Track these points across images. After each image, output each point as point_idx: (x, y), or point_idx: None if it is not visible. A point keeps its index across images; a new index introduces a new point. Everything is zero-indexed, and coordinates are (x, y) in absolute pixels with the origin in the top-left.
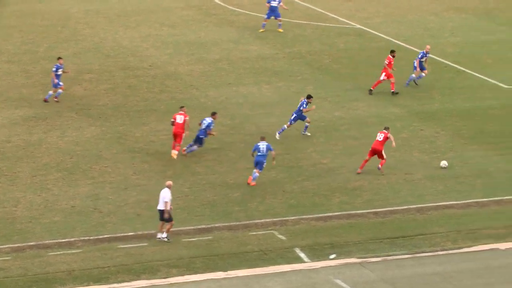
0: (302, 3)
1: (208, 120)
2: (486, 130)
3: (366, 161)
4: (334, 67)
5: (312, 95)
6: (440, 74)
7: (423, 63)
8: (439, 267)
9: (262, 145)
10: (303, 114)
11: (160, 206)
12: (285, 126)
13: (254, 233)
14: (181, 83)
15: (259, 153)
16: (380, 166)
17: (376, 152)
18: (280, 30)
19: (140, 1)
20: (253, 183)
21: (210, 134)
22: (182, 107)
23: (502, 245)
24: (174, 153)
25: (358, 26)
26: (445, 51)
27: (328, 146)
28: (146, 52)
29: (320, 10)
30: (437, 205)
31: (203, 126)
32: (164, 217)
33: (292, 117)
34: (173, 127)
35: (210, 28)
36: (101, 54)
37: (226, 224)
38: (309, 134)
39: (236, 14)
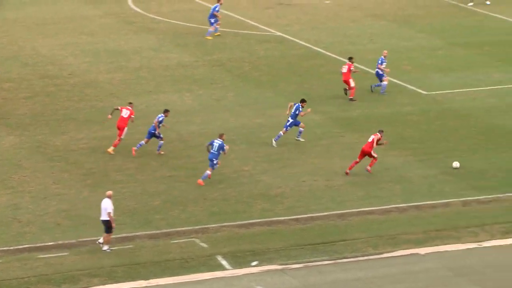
0: (222, 10)
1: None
2: (406, 136)
3: (356, 162)
4: (254, 75)
5: (305, 99)
6: (360, 80)
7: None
8: (360, 272)
9: (216, 142)
10: (297, 119)
11: (103, 217)
12: (281, 132)
13: (176, 241)
14: (101, 92)
15: (211, 150)
16: (369, 167)
17: (365, 154)
18: (209, 37)
19: (58, 9)
20: (200, 181)
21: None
22: (130, 103)
23: (422, 250)
24: (111, 149)
25: (278, 33)
26: (364, 58)
27: (249, 153)
28: (65, 60)
29: (240, 17)
30: (358, 211)
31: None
32: (112, 227)
33: (288, 123)
34: (118, 119)
35: (130, 36)
36: (19, 63)
37: (148, 232)
38: (303, 140)
39: (156, 22)
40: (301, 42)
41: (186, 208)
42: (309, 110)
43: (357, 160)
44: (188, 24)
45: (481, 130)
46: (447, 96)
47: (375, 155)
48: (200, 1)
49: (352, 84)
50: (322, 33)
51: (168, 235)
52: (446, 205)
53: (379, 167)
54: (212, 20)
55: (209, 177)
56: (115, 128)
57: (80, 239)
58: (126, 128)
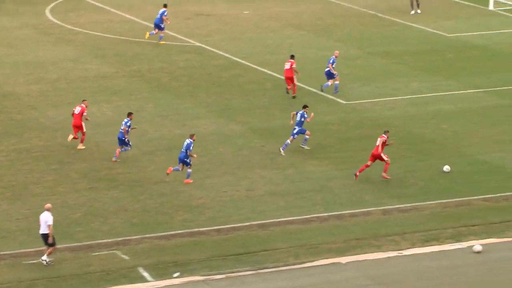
0: (141, 21)
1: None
2: (326, 145)
3: (367, 166)
4: (174, 85)
5: (308, 105)
6: (279, 90)
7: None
8: (282, 282)
9: (185, 142)
10: (303, 127)
11: (42, 230)
12: (288, 141)
13: (97, 253)
14: (19, 104)
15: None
16: (384, 174)
17: (376, 158)
18: (162, 42)
19: None
20: (188, 180)
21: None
22: (84, 100)
23: (343, 259)
24: (80, 145)
25: (198, 44)
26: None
27: (170, 164)
28: None
29: None
30: (279, 221)
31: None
32: (49, 241)
33: (295, 131)
34: (73, 119)
35: (48, 47)
36: None
37: (68, 245)
38: (308, 148)
39: (74, 33)
40: (220, 52)
41: (107, 220)
42: (312, 114)
43: (368, 163)
44: (106, 35)
45: (401, 139)
46: (367, 105)
47: (386, 159)
48: (119, 12)
49: (295, 81)
50: (241, 43)
51: (89, 247)
52: (367, 213)
53: (300, 177)
54: (162, 25)
55: (169, 170)
56: (34, 141)
57: (0, 253)
58: (83, 123)
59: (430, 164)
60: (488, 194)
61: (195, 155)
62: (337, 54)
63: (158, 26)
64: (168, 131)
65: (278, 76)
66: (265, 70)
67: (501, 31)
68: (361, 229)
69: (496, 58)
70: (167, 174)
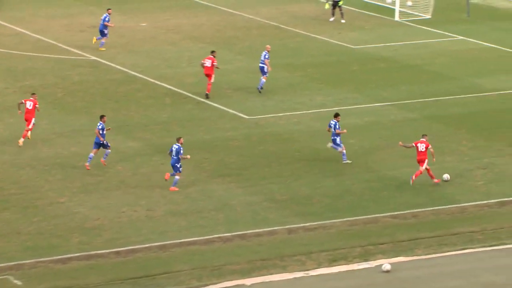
0: (32, 34)
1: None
2: (228, 162)
3: (421, 172)
4: (68, 101)
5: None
6: (179, 105)
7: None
8: None
9: (174, 147)
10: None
11: None
12: (344, 151)
13: None
14: None
15: (172, 156)
16: (417, 176)
17: (422, 162)
18: (103, 49)
19: None
20: (172, 188)
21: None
22: (33, 93)
23: (247, 281)
24: (21, 140)
25: (93, 57)
26: (183, 81)
27: (65, 183)
28: None
29: (51, 41)
30: (180, 242)
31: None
32: None
33: (335, 141)
34: (25, 112)
35: None
36: None
37: None
38: (350, 161)
39: None
40: (117, 66)
41: None
42: (345, 131)
43: (421, 170)
44: None
45: (305, 155)
46: (270, 120)
47: (425, 166)
48: (8, 25)
49: (212, 79)
50: (138, 57)
51: None
52: (271, 233)
53: (201, 195)
54: (106, 31)
55: (166, 178)
56: None
57: None
58: (33, 119)
59: (337, 180)
60: (397, 211)
61: (188, 156)
62: (269, 49)
63: (101, 32)
64: (63, 148)
65: (178, 90)
66: (164, 85)
67: (407, 42)
68: (266, 249)
69: (403, 70)
70: (166, 180)
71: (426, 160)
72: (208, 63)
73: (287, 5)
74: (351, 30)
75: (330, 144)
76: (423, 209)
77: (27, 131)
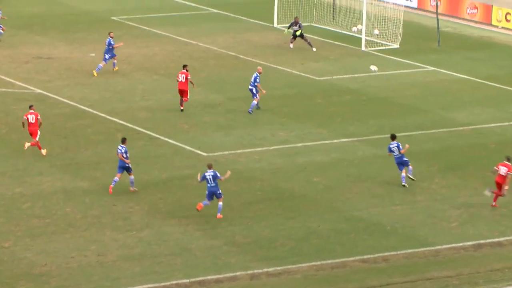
0: None
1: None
2: (186, 203)
3: (497, 193)
4: (12, 138)
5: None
6: (131, 141)
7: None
8: None
9: (208, 174)
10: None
11: None
12: (410, 167)
13: None
14: None
15: (208, 184)
16: (494, 202)
17: (500, 186)
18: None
19: None
20: (219, 215)
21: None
22: (31, 106)
23: None
24: (27, 144)
25: (39, 90)
26: (136, 116)
27: (9, 227)
28: None
29: None
30: None
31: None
32: None
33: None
34: (28, 127)
35: None
36: None
37: None
38: (414, 179)
39: None
40: (64, 100)
41: None
42: (407, 146)
43: (496, 191)
44: None
45: (268, 195)
46: (229, 157)
47: (504, 191)
48: None
49: (188, 97)
50: (88, 90)
51: None
52: (233, 279)
53: (156, 239)
54: (108, 56)
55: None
56: None
57: None
58: (38, 130)
59: (301, 222)
60: (366, 255)
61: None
62: (260, 71)
63: (109, 54)
64: (7, 189)
65: (130, 125)
66: (115, 119)
67: (375, 73)
68: None
69: (371, 103)
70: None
71: (504, 186)
72: (181, 77)
73: (245, 34)
74: (315, 60)
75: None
76: (394, 252)
77: (34, 144)
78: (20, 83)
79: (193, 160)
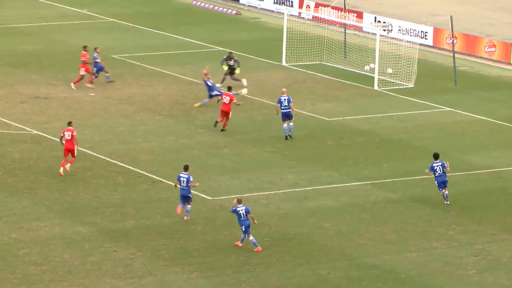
0: None
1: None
2: (190, 249)
3: None
4: (8, 181)
5: None
6: (133, 185)
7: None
8: None
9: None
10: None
11: None
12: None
13: None
14: None
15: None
16: None
17: None
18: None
19: None
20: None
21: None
22: (69, 122)
23: None
24: (66, 167)
25: (36, 131)
26: (137, 158)
27: (4, 274)
28: None
29: None
30: None
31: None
32: None
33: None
34: (65, 144)
35: None
36: None
37: None
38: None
39: None
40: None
41: None
42: (448, 166)
43: None
44: None
45: (276, 240)
46: None
47: None
48: None
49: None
50: (87, 131)
51: None
52: None
53: (158, 287)
54: (95, 69)
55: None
56: None
57: None
58: (75, 148)
59: (311, 269)
60: None
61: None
62: (285, 92)
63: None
64: (2, 235)
65: (131, 168)
66: (116, 162)
67: (389, 114)
68: None
69: (385, 145)
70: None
71: None
72: (226, 99)
73: (253, 73)
74: (326, 100)
75: None
76: None
77: (74, 158)
78: (16, 124)
79: (197, 205)
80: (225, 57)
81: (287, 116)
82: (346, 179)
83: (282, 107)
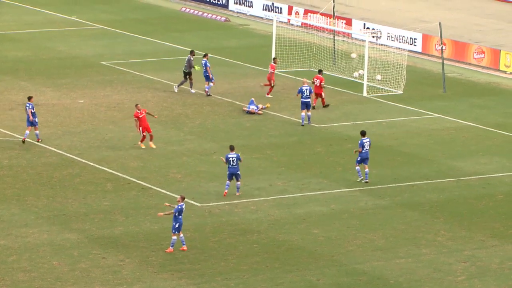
0: None
1: None
2: (178, 255)
3: None
4: None
5: None
6: (122, 192)
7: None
8: None
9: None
10: None
11: None
12: None
13: None
14: None
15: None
16: None
17: None
18: None
19: None
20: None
21: None
22: (137, 104)
23: None
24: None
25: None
26: (126, 165)
27: None
28: None
29: None
30: None
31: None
32: None
33: None
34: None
35: None
36: None
37: None
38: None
39: None
40: (51, 148)
41: None
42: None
43: None
44: None
45: (265, 247)
46: (225, 208)
47: None
48: None
49: (323, 95)
50: (76, 138)
51: None
52: None
53: None
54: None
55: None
56: None
57: None
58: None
59: (300, 275)
60: None
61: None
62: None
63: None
64: None
65: (120, 175)
66: (105, 169)
67: (378, 120)
68: None
69: (374, 152)
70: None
71: None
72: (317, 82)
73: (241, 79)
74: (314, 107)
75: None
76: None
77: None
78: (4, 131)
79: (187, 211)
80: (190, 56)
81: (306, 106)
82: (335, 185)
83: (303, 97)
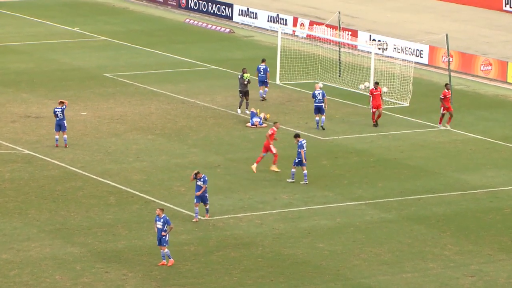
0: None
1: None
2: (183, 270)
3: None
4: None
5: None
6: (125, 205)
7: None
8: None
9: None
10: None
11: None
12: None
13: None
14: None
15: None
16: None
17: None
18: None
19: None
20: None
21: None
22: (275, 123)
23: None
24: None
25: (27, 151)
26: (130, 178)
27: None
28: None
29: None
30: None
31: None
32: None
33: None
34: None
35: None
36: None
37: None
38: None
39: None
40: (54, 161)
41: None
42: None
43: None
44: None
45: (269, 261)
46: (229, 221)
47: None
48: None
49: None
50: (78, 151)
51: None
52: None
53: None
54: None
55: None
56: None
57: None
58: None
59: None
60: None
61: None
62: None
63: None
64: None
65: (123, 188)
66: (108, 182)
67: (384, 133)
68: None
69: (380, 165)
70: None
71: None
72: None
73: None
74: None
75: None
76: None
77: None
78: (6, 144)
79: (190, 225)
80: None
81: (319, 110)
82: (341, 199)
83: (316, 101)
